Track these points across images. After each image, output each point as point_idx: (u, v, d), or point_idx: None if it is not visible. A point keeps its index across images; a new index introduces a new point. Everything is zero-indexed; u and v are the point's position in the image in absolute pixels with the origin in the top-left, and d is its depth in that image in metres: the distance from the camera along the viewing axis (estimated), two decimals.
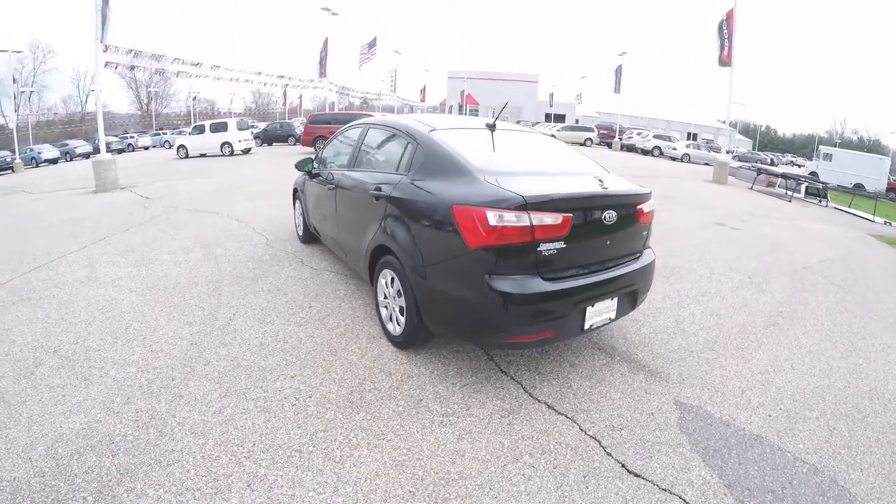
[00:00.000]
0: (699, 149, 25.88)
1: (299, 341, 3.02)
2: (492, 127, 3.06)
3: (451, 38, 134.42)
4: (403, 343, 2.86)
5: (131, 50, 26.36)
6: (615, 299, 2.63)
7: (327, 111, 24.80)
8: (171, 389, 2.49)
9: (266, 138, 24.31)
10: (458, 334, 2.55)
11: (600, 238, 2.54)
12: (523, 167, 2.83)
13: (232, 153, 18.63)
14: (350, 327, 3.22)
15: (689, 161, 23.85)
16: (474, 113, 54.04)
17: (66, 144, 30.06)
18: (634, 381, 2.71)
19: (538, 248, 2.25)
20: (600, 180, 2.77)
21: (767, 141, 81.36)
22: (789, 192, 13.26)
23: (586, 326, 2.50)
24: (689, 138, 40.59)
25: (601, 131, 31.64)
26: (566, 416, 2.35)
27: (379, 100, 53.39)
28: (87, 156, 26.30)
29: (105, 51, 10.10)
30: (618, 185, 2.81)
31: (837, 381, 2.92)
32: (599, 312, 2.56)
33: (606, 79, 29.14)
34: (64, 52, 66.14)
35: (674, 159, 24.41)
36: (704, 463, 2.07)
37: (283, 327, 3.21)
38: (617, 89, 27.43)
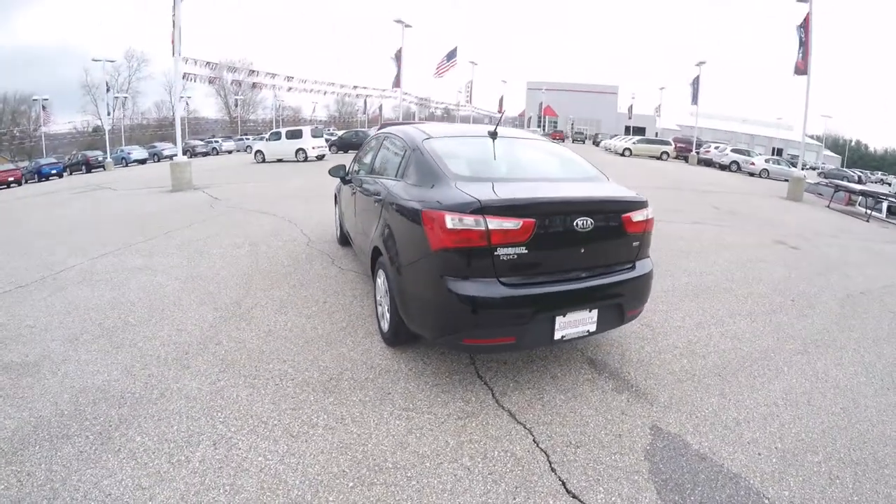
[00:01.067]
0: (779, 164, 24.17)
1: (303, 331, 3.34)
2: (493, 135, 3.15)
3: (530, 47, 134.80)
4: (391, 340, 3.05)
5: (208, 62, 29.52)
6: (594, 311, 2.56)
7: (400, 120, 26.08)
8: (182, 361, 2.90)
9: (341, 146, 25.91)
10: (425, 333, 2.65)
11: (572, 246, 2.51)
12: (506, 174, 2.90)
13: (306, 159, 20.17)
14: (352, 323, 3.49)
15: (767, 177, 22.53)
16: (553, 125, 53.61)
17: (154, 146, 33.51)
18: (614, 401, 2.61)
19: (495, 253, 2.30)
20: (588, 187, 2.75)
21: (857, 157, 73.70)
22: (868, 211, 11.91)
23: (557, 337, 2.47)
24: (773, 154, 37.68)
25: (678, 144, 30.18)
26: (524, 426, 2.34)
27: (458, 110, 54.89)
28: (172, 157, 29.63)
29: (185, 62, 11.55)
30: (603, 191, 2.76)
31: (860, 421, 2.56)
32: (574, 324, 2.51)
33: (687, 90, 27.95)
34: (157, 60, 74.87)
35: (752, 175, 23.00)
36: (658, 496, 1.93)
37: (294, 318, 3.56)
38: (694, 101, 26.29)
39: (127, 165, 29.56)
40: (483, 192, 2.41)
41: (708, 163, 26.36)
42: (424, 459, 2.07)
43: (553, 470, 2.06)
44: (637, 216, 2.71)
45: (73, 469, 1.99)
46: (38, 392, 2.57)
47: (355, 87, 47.24)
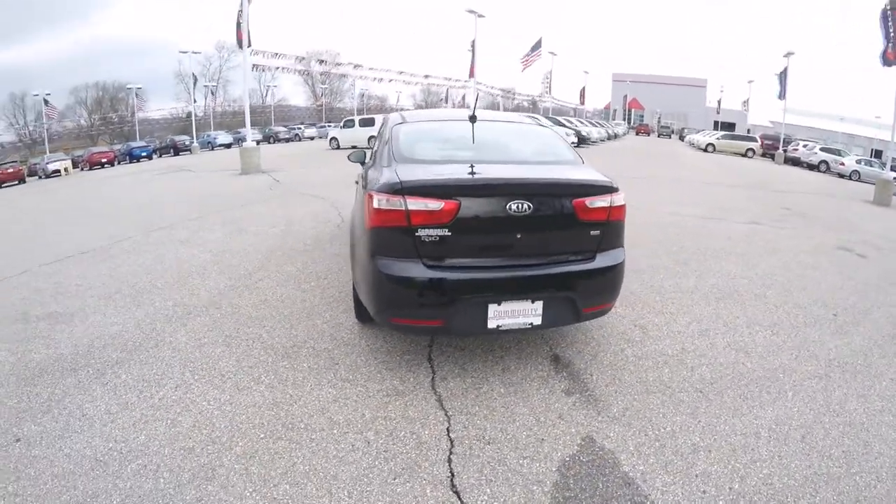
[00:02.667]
0: (872, 166, 21.70)
1: (293, 302, 3.76)
2: (472, 118, 3.11)
3: (614, 37, 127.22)
4: (358, 316, 3.29)
5: (276, 53, 32.00)
6: (538, 303, 2.46)
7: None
8: (182, 320, 3.46)
9: None
10: (368, 309, 2.74)
11: (506, 231, 2.44)
12: (460, 156, 2.92)
13: None
14: (338, 298, 3.83)
15: (858, 179, 20.75)
16: (640, 118, 51.37)
17: (239, 132, 35.16)
18: (557, 402, 2.50)
19: (416, 234, 2.34)
20: (542, 169, 2.68)
21: None
22: None
23: (491, 326, 2.43)
24: (872, 155, 33.06)
25: (765, 142, 29.34)
26: (446, 413, 2.38)
27: (542, 101, 54.53)
28: (256, 143, 32.48)
29: (262, 55, 12.86)
30: (553, 174, 2.67)
31: (862, 472, 2.08)
32: (512, 314, 2.45)
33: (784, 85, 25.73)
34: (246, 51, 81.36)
35: (841, 176, 21.59)
36: None
37: (291, 291, 4.00)
38: (781, 95, 24.53)
39: (213, 149, 32.67)
40: (411, 174, 2.48)
41: (795, 162, 25.11)
42: (335, 426, 2.26)
43: (449, 461, 2.05)
44: (596, 202, 2.55)
45: (67, 393, 2.56)
46: (65, 336, 3.27)
47: (426, 76, 48.43)
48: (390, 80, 41.63)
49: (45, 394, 2.57)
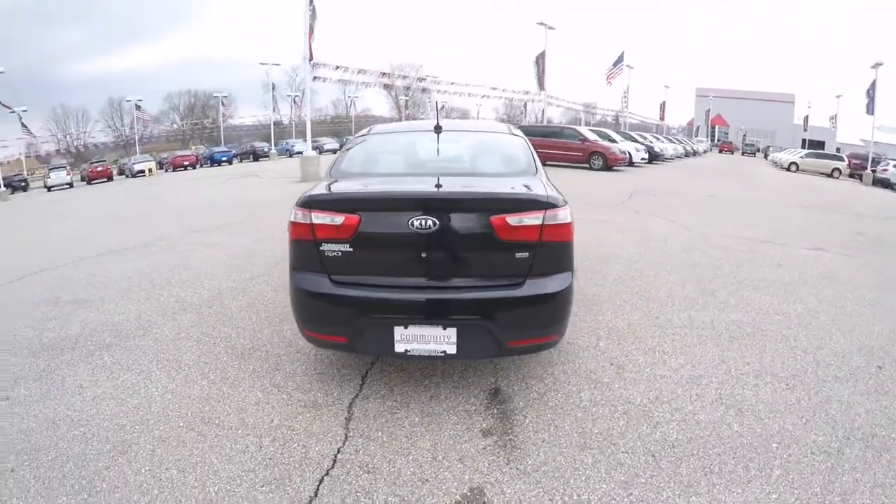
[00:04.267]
0: None
1: (274, 308, 4.11)
2: (437, 129, 3.01)
3: (697, 50, 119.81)
4: None
5: (338, 66, 34.40)
6: (450, 330, 2.34)
7: (543, 123, 27.16)
8: (175, 315, 4.03)
9: None
10: None
11: (410, 249, 2.38)
12: (393, 168, 3.02)
13: None
14: None
15: None
16: (724, 135, 48.71)
17: (317, 140, 36.88)
18: (468, 444, 2.35)
19: (321, 248, 2.40)
20: (467, 181, 2.65)
21: None
22: None
23: (399, 350, 2.39)
24: None
25: (853, 161, 27.28)
26: (347, 433, 2.44)
27: (624, 117, 53.54)
28: (333, 151, 34.52)
29: (313, 67, 14.13)
30: (477, 187, 2.57)
31: None
32: (422, 339, 2.36)
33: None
34: (330, 63, 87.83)
35: None
36: None
37: (279, 296, 4.32)
38: (869, 110, 22.14)
39: (291, 156, 35.01)
40: (327, 188, 2.61)
41: (885, 183, 23.62)
42: (241, 427, 2.51)
43: (320, 481, 2.11)
44: (523, 219, 2.34)
45: (58, 367, 3.17)
46: (79, 319, 3.99)
47: (504, 90, 49.21)
48: (469, 94, 43.13)
49: (42, 365, 3.21)
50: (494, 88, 45.27)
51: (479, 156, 3.24)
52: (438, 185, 2.49)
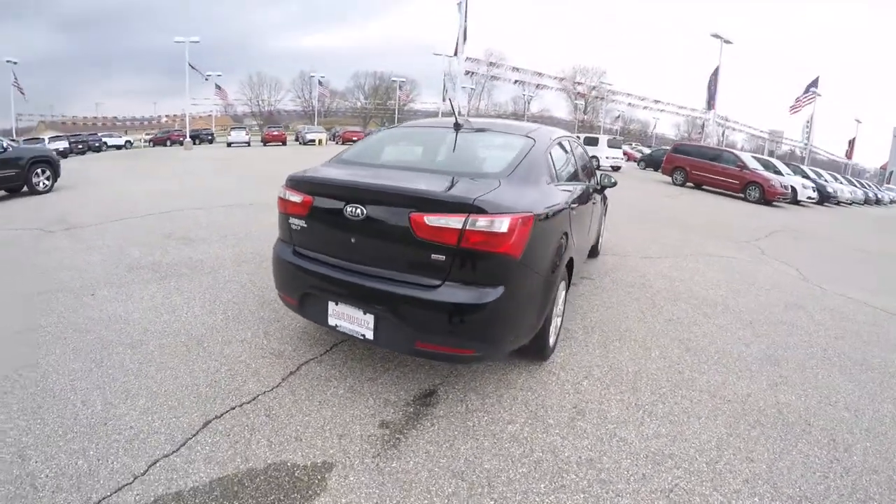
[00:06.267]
0: None
1: (268, 291, 4.28)
2: (457, 127, 3.32)
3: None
4: None
5: (515, 68, 35.07)
6: (369, 316, 2.53)
7: (701, 143, 24.77)
8: (239, 261, 4.98)
9: (649, 162, 26.80)
10: None
11: (342, 232, 2.59)
12: (382, 160, 3.27)
13: (598, 168, 21.58)
14: None
15: None
16: None
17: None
18: (363, 425, 2.48)
19: (289, 221, 2.84)
20: (416, 176, 2.73)
21: None
22: None
23: (331, 323, 2.66)
24: None
25: None
26: (282, 382, 2.83)
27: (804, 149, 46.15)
28: None
29: (465, 60, 15.00)
30: (408, 182, 2.61)
31: None
32: (349, 319, 2.59)
33: None
34: (511, 59, 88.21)
35: None
36: None
37: None
38: None
39: None
40: (305, 171, 2.96)
41: None
42: (217, 354, 3.09)
43: (231, 409, 2.50)
44: (440, 221, 2.31)
45: (138, 282, 4.31)
46: (176, 252, 5.27)
47: (669, 104, 45.79)
48: (644, 108, 41.20)
49: (129, 278, 4.37)
50: (670, 104, 42.64)
51: (470, 155, 3.26)
52: (381, 179, 2.69)
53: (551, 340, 3.21)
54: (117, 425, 2.40)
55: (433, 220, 2.33)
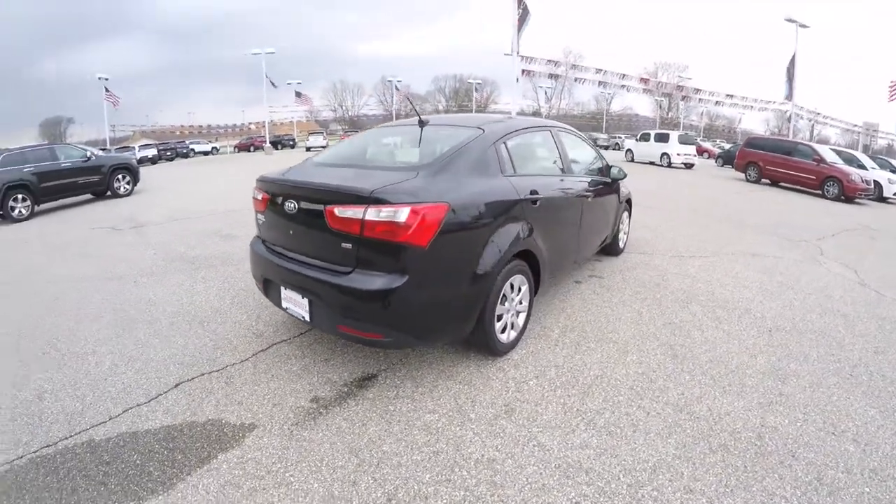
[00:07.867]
0: None
1: None
2: (422, 123, 3.59)
3: None
4: None
5: (550, 60, 34.45)
6: (306, 299, 2.88)
7: (776, 136, 22.63)
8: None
9: (727, 159, 25.89)
10: None
11: (284, 225, 2.99)
12: (337, 160, 3.51)
13: (669, 165, 20.69)
14: None
15: None
16: None
17: None
18: (297, 398, 2.90)
19: (256, 216, 3.34)
20: (348, 173, 3.03)
21: None
22: None
23: (284, 305, 3.06)
24: None
25: None
26: (248, 356, 3.36)
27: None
28: None
29: (521, 60, 15.25)
30: (330, 177, 2.92)
31: None
32: (294, 302, 2.98)
33: None
34: (590, 59, 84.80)
35: None
36: None
37: None
38: None
39: None
40: (270, 172, 3.34)
41: None
42: (202, 330, 3.74)
43: (201, 375, 3.15)
44: (345, 212, 2.58)
45: (173, 271, 5.19)
46: (217, 246, 6.17)
47: (755, 100, 42.12)
48: (731, 105, 38.21)
49: (168, 268, 5.31)
50: (758, 100, 39.20)
51: (411, 150, 3.52)
52: (312, 177, 3.02)
53: (504, 336, 3.27)
54: (115, 381, 3.10)
55: (340, 211, 2.61)
